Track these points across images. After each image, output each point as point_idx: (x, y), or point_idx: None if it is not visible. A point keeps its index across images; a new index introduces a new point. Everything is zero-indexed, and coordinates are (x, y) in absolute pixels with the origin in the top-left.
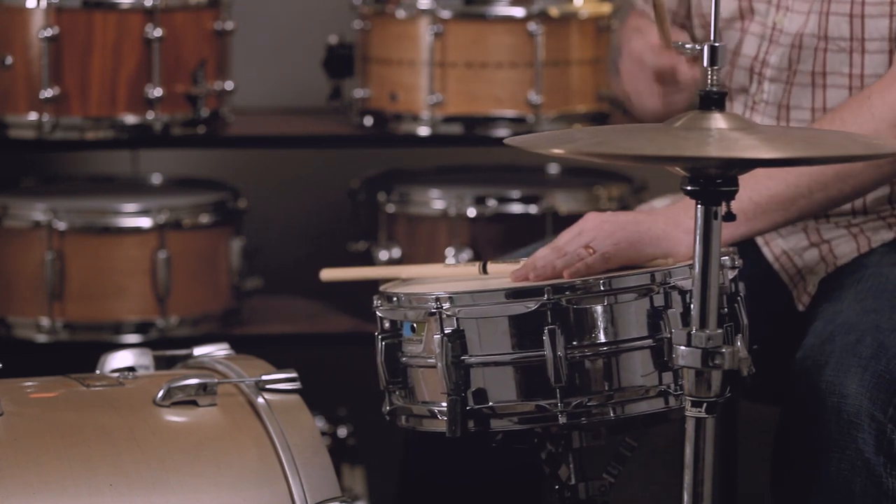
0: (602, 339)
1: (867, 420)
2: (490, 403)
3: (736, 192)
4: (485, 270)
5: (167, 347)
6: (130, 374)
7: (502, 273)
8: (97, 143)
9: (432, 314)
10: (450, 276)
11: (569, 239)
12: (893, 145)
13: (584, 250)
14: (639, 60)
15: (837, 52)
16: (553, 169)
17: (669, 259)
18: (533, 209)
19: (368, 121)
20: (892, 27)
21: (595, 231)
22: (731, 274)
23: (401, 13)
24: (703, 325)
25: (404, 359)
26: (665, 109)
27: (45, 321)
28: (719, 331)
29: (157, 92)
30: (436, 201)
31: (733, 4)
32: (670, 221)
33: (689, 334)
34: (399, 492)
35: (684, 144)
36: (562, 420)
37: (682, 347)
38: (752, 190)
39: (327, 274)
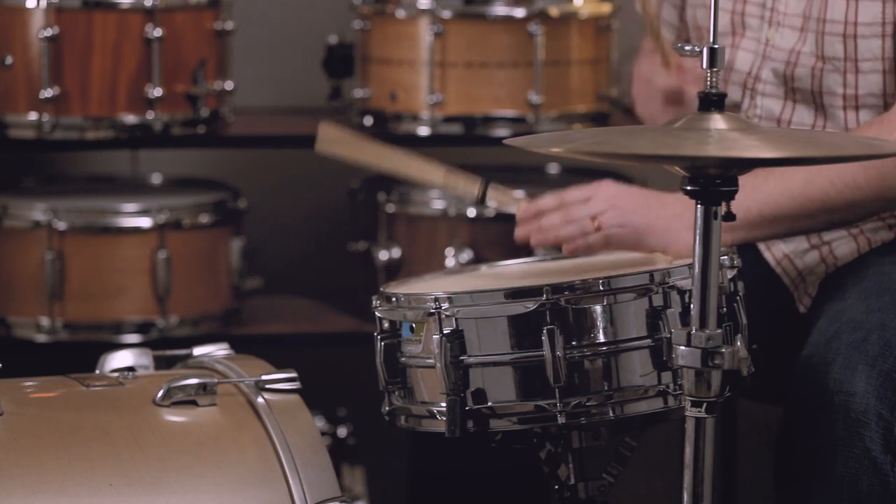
0: (601, 338)
1: (875, 418)
2: (489, 403)
3: (736, 191)
4: (484, 196)
5: (167, 347)
6: (130, 374)
7: (502, 202)
8: (97, 143)
9: (431, 314)
10: (449, 186)
11: (577, 200)
12: (892, 146)
13: (590, 222)
14: (647, 82)
15: (833, 72)
16: (553, 169)
17: (668, 257)
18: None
19: (368, 121)
20: (885, 47)
21: (605, 204)
22: (730, 274)
23: (401, 13)
24: (702, 324)
25: (403, 359)
26: None
27: (45, 321)
28: (719, 331)
29: (157, 92)
30: (436, 201)
31: (725, 18)
32: (675, 215)
33: (688, 334)
34: (408, 491)
35: (684, 144)
36: (561, 420)
37: (682, 347)
38: (763, 204)
39: (325, 132)
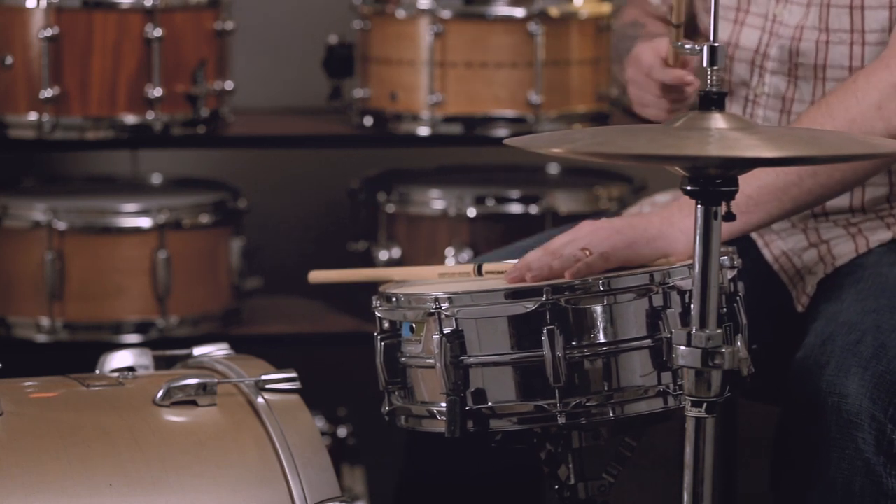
0: (601, 339)
1: (867, 420)
2: (489, 404)
3: (736, 191)
4: (479, 273)
5: (167, 347)
6: (130, 374)
7: (498, 276)
8: (97, 143)
9: (431, 314)
10: (443, 279)
11: (563, 243)
12: (893, 146)
13: (581, 252)
14: (647, 73)
15: (838, 44)
16: (553, 169)
17: (671, 258)
18: (533, 209)
19: (368, 121)
20: (892, 18)
21: (590, 236)
22: (730, 274)
23: (401, 13)
24: (702, 325)
25: (403, 359)
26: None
27: (45, 321)
28: (719, 331)
29: (157, 92)
30: (436, 201)
31: None
32: (665, 221)
33: (688, 334)
34: (397, 493)
35: (684, 144)
36: (561, 420)
37: (682, 347)
38: (744, 183)
39: (315, 276)
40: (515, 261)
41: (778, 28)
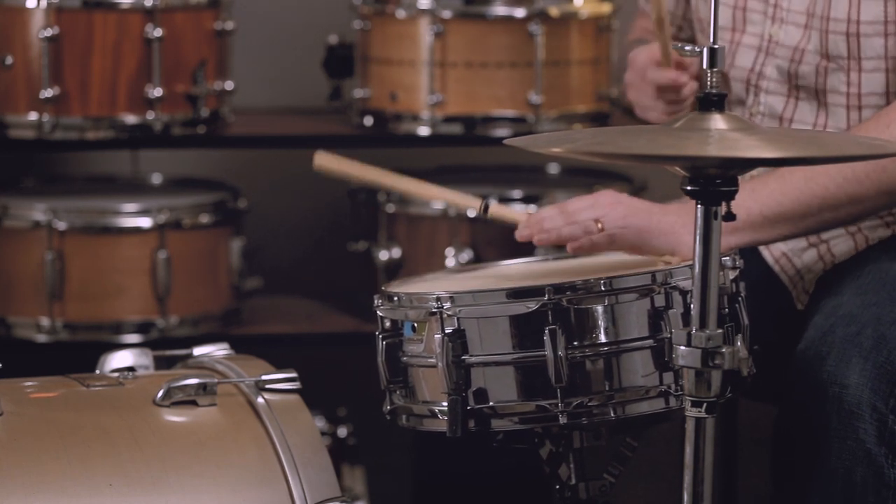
0: (603, 339)
1: (868, 410)
2: (491, 403)
3: (736, 191)
4: (486, 211)
5: (167, 347)
6: (130, 374)
7: (504, 216)
8: (97, 143)
9: (433, 314)
10: (448, 199)
11: (580, 207)
12: (894, 146)
13: (594, 223)
14: (641, 74)
15: (837, 70)
16: (553, 169)
17: (675, 258)
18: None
19: (368, 121)
20: (888, 45)
21: (608, 208)
22: (731, 274)
23: (401, 13)
24: (703, 325)
25: (405, 358)
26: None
27: (45, 321)
28: (719, 331)
29: (157, 92)
30: (436, 201)
31: (727, 13)
32: (679, 220)
33: (689, 334)
34: (413, 492)
35: (684, 144)
36: (562, 420)
37: (682, 347)
38: (764, 204)
39: (321, 159)
40: (525, 209)
41: (774, 48)
